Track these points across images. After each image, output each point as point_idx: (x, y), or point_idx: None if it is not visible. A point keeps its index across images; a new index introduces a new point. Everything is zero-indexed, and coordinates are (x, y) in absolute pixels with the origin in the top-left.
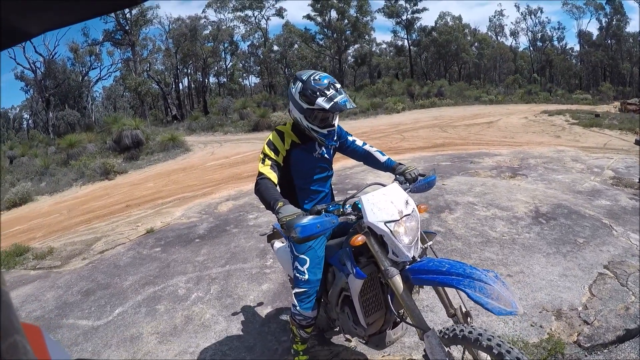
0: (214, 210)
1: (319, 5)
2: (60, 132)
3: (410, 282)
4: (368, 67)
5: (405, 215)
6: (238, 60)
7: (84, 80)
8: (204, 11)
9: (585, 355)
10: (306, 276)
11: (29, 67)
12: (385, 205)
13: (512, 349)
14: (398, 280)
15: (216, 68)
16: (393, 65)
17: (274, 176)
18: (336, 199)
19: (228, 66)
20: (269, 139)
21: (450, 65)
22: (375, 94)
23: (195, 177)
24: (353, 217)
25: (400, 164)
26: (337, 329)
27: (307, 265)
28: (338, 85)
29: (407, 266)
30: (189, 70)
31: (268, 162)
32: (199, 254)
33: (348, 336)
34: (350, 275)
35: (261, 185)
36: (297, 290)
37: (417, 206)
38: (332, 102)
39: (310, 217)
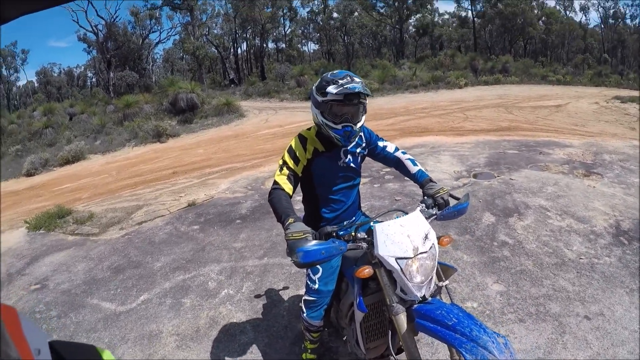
0: (261, 186)
1: None
2: (121, 92)
3: (414, 323)
4: (430, 38)
5: (420, 253)
6: (297, 26)
7: (144, 43)
8: None
9: None
10: (316, 286)
11: (91, 29)
12: (400, 238)
13: None
14: (402, 319)
15: (275, 34)
16: (456, 37)
17: (289, 187)
18: (393, 185)
19: (287, 32)
20: (291, 144)
21: (515, 40)
22: (436, 66)
23: (246, 145)
24: (364, 244)
25: (431, 181)
26: (344, 338)
27: (319, 275)
28: (357, 79)
29: (415, 305)
30: (248, 35)
31: (285, 171)
32: (237, 239)
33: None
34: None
35: (274, 197)
36: (306, 297)
37: (439, 239)
38: (341, 87)
39: (315, 242)
